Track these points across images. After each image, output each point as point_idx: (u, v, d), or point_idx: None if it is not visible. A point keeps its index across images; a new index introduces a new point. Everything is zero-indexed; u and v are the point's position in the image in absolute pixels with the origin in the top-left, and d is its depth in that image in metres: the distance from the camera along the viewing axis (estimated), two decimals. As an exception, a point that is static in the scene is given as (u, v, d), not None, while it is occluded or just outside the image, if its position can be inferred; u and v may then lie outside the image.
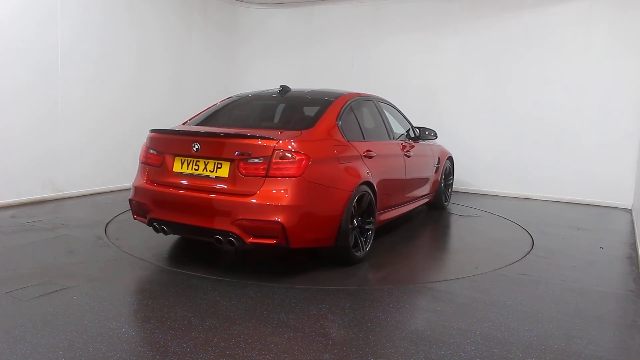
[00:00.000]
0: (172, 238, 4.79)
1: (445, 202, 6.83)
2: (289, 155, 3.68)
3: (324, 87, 5.55)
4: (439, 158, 6.45)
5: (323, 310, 3.26)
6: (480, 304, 3.46)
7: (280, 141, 3.70)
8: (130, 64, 7.40)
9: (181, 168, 3.94)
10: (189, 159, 3.92)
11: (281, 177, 3.65)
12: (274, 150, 3.65)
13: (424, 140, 5.98)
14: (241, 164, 3.69)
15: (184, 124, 4.74)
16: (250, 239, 3.64)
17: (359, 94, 5.07)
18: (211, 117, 4.72)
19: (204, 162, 3.84)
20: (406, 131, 5.78)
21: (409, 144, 5.56)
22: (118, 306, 3.28)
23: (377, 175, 4.56)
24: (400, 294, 3.59)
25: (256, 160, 3.67)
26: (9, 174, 5.95)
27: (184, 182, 3.90)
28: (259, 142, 3.70)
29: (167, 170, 4.01)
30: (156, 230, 4.08)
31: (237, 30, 9.57)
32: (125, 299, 3.37)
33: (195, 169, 3.87)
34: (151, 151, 4.15)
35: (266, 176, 3.64)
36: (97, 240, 4.70)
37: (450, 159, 6.97)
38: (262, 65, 9.54)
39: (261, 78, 9.03)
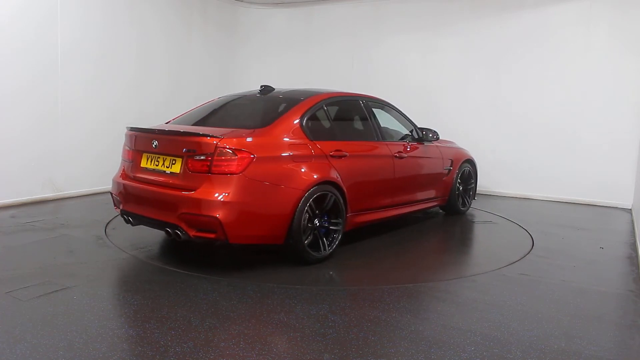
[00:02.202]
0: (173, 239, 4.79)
1: (463, 207, 6.46)
2: (230, 152, 3.77)
3: (312, 87, 5.43)
4: (451, 160, 6.13)
5: (323, 310, 3.26)
6: (480, 304, 3.46)
7: (222, 139, 3.79)
8: (130, 64, 7.40)
9: (146, 163, 4.19)
10: (152, 155, 4.16)
11: (222, 173, 3.75)
12: (215, 147, 3.76)
13: (428, 141, 5.76)
14: (189, 161, 3.86)
15: (167, 122, 4.94)
16: (194, 232, 3.80)
17: (340, 94, 5.04)
18: (189, 117, 4.88)
19: (163, 158, 4.07)
20: (409, 132, 5.67)
21: (408, 145, 5.43)
22: (118, 306, 3.29)
23: (350, 175, 4.50)
24: (400, 294, 3.59)
25: (201, 157, 3.80)
26: (9, 174, 5.95)
27: (147, 176, 4.15)
28: (203, 140, 3.82)
29: (136, 165, 4.27)
30: (126, 221, 4.34)
31: (237, 30, 9.56)
32: (125, 299, 3.37)
33: (156, 165, 4.12)
34: (126, 147, 4.45)
35: (209, 172, 3.77)
36: (97, 240, 4.70)
37: (470, 162, 6.56)
38: (262, 65, 9.53)
39: (261, 78, 8.96)
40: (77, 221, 5.40)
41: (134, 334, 2.85)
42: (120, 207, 4.35)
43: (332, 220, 4.35)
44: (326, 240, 4.29)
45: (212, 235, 3.77)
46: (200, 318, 3.06)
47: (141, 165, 4.22)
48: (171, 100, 8.04)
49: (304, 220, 4.04)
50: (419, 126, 5.85)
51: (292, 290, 3.60)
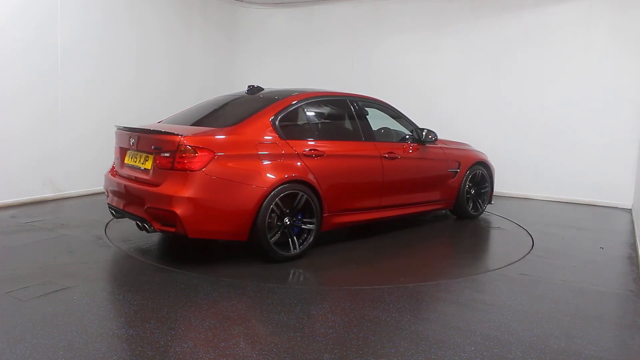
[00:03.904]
0: (173, 239, 4.79)
1: (475, 211, 6.17)
2: (191, 150, 3.89)
3: (306, 87, 5.40)
4: (459, 162, 5.89)
5: (323, 310, 3.26)
6: (480, 304, 3.46)
7: (184, 137, 3.93)
8: (130, 64, 7.40)
9: (128, 160, 4.41)
10: (132, 152, 4.36)
11: (183, 170, 3.88)
12: (178, 145, 3.90)
13: (430, 142, 5.56)
14: (157, 158, 4.03)
15: (159, 122, 5.07)
16: (159, 226, 3.95)
17: (324, 93, 5.02)
18: (177, 117, 4.98)
19: (139, 155, 4.28)
20: (410, 132, 5.56)
21: (410, 146, 5.33)
22: (118, 306, 3.28)
23: (327, 175, 4.46)
24: (400, 294, 3.59)
25: (166, 154, 3.96)
26: (9, 174, 5.95)
27: (129, 172, 4.36)
28: (167, 138, 4.01)
29: (122, 161, 4.50)
30: (111, 214, 4.60)
31: (237, 30, 9.56)
32: (125, 299, 3.37)
33: (134, 161, 4.32)
34: (115, 145, 4.68)
35: (172, 169, 3.91)
36: (97, 240, 4.70)
37: (483, 164, 6.26)
38: (262, 65, 9.53)
39: (261, 78, 8.98)
40: (77, 221, 5.40)
41: (134, 334, 2.85)
42: (108, 201, 4.59)
43: (305, 220, 4.34)
44: (299, 239, 4.29)
45: (172, 229, 3.89)
46: (200, 318, 3.06)
47: (125, 162, 4.44)
48: (171, 100, 8.02)
49: (270, 219, 4.07)
50: (419, 127, 5.70)
51: (292, 290, 3.60)
